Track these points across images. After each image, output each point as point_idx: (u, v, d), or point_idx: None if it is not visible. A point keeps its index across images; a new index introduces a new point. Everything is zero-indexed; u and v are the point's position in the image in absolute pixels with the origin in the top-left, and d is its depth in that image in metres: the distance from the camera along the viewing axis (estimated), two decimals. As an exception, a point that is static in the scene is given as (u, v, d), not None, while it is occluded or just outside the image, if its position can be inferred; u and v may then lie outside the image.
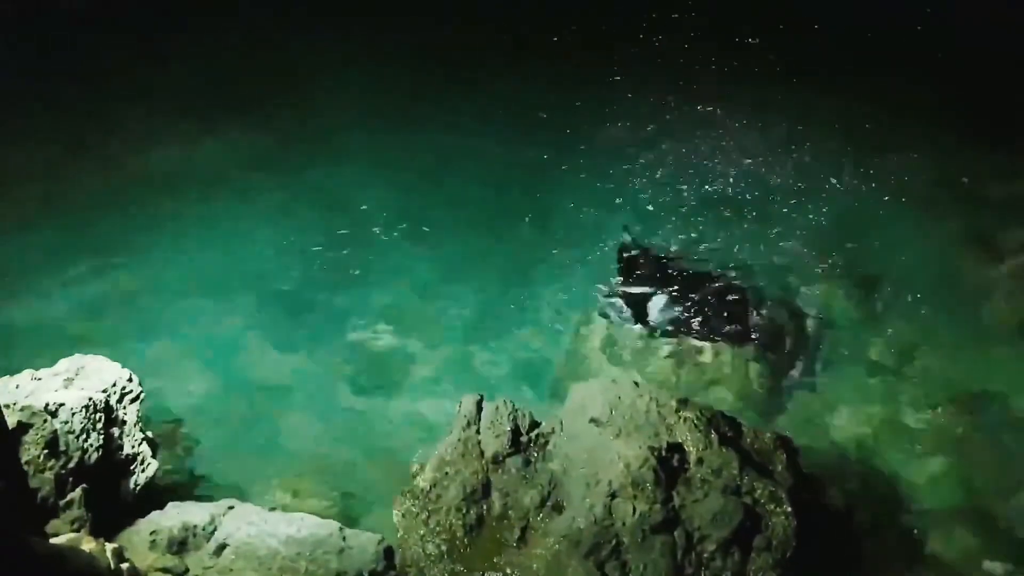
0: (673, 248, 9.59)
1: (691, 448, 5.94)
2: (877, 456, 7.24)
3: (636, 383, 6.41)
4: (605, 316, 8.46)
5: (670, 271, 8.84)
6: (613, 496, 5.64)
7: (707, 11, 14.29)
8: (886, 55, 13.44)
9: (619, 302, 8.43)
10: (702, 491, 5.73)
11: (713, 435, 5.99)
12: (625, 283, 8.68)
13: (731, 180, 10.89)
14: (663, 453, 5.80)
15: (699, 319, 8.24)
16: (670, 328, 8.25)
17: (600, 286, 8.78)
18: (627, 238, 9.24)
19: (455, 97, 13.04)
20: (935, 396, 7.83)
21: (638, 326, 8.31)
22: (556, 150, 11.54)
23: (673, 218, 10.22)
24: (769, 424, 6.94)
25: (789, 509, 5.69)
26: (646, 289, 8.52)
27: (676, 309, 8.32)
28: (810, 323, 8.66)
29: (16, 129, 11.35)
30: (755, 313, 8.46)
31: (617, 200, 10.55)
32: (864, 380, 8.11)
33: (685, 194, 10.61)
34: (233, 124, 12.16)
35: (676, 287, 8.54)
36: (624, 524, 5.52)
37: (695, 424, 6.04)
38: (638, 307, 8.38)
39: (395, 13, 15.34)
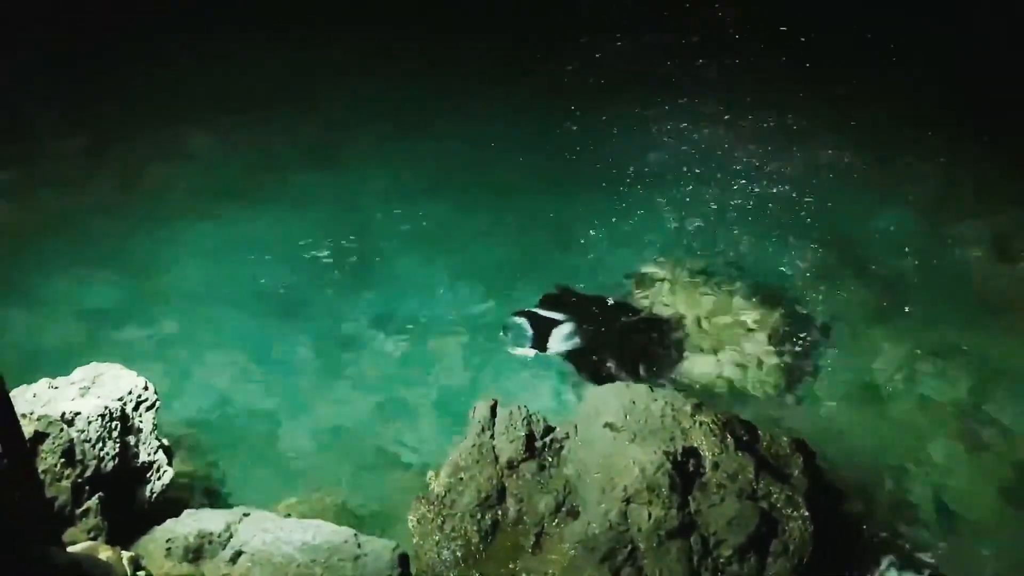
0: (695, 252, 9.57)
1: (707, 453, 5.91)
2: (895, 461, 7.17)
3: (651, 387, 6.39)
4: (504, 333, 8.28)
5: (593, 302, 8.62)
6: (628, 501, 5.61)
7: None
8: (894, 56, 13.43)
9: (524, 322, 8.18)
10: (718, 496, 5.70)
11: (729, 439, 5.96)
12: (543, 304, 8.46)
13: (737, 184, 10.87)
14: (678, 458, 5.77)
15: (594, 354, 7.99)
16: (563, 357, 7.99)
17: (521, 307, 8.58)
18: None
19: (469, 105, 13.08)
20: (953, 400, 7.75)
21: (532, 350, 8.08)
22: (572, 159, 11.56)
23: (685, 224, 10.20)
24: (784, 428, 6.87)
25: (806, 513, 5.65)
26: (558, 315, 8.23)
27: (577, 339, 8.05)
28: (824, 327, 8.59)
29: (36, 138, 11.43)
30: (659, 352, 8.25)
31: (625, 208, 10.53)
32: (880, 384, 8.02)
33: (695, 202, 10.58)
34: (247, 132, 12.24)
35: (589, 317, 8.31)
36: (640, 529, 5.50)
37: (711, 428, 6.01)
38: (541, 330, 8.08)
39: (411, 21, 15.44)
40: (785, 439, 6.32)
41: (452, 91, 13.54)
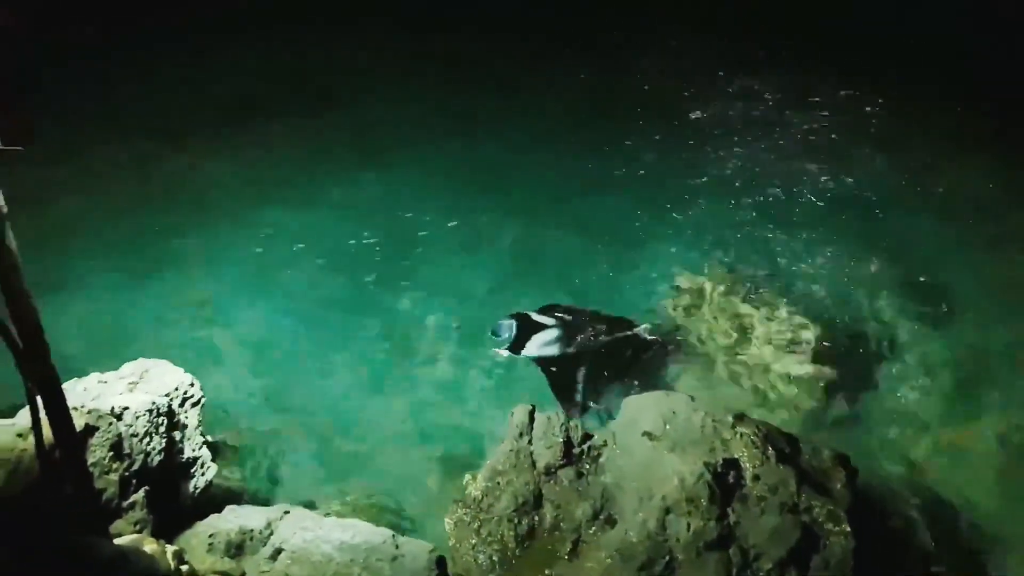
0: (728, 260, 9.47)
1: (747, 464, 5.85)
2: (941, 476, 7.03)
3: (691, 397, 6.34)
4: (491, 333, 8.19)
5: (585, 315, 8.43)
6: (667, 511, 5.58)
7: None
8: (941, 65, 13.22)
9: (512, 323, 8.06)
10: (758, 508, 5.64)
11: (770, 451, 5.89)
12: (544, 309, 8.34)
13: (780, 197, 10.76)
14: (718, 469, 5.72)
15: (567, 364, 7.81)
16: (535, 362, 7.85)
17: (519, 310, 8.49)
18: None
19: (508, 109, 13.11)
20: (1000, 413, 7.59)
21: (501, 352, 7.98)
22: (617, 168, 11.52)
23: (726, 236, 10.11)
24: (827, 441, 6.77)
25: (848, 529, 5.57)
26: (549, 321, 8.09)
27: (555, 348, 7.89)
28: (869, 342, 8.45)
29: (74, 141, 11.66)
30: (637, 368, 8.09)
31: (666, 218, 10.48)
32: (926, 396, 7.89)
33: (736, 214, 10.49)
34: (286, 134, 12.38)
35: (579, 327, 8.15)
36: (678, 540, 5.46)
37: (751, 440, 5.95)
38: (524, 334, 7.95)
39: (451, 26, 15.52)
40: (827, 453, 6.23)
41: (497, 93, 13.58)
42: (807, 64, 13.77)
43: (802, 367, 7.95)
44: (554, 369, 7.75)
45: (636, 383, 7.95)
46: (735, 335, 8.35)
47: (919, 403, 7.85)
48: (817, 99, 12.80)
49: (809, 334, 8.16)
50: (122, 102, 12.94)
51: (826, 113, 12.44)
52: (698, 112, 12.78)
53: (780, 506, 5.65)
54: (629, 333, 8.10)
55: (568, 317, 8.28)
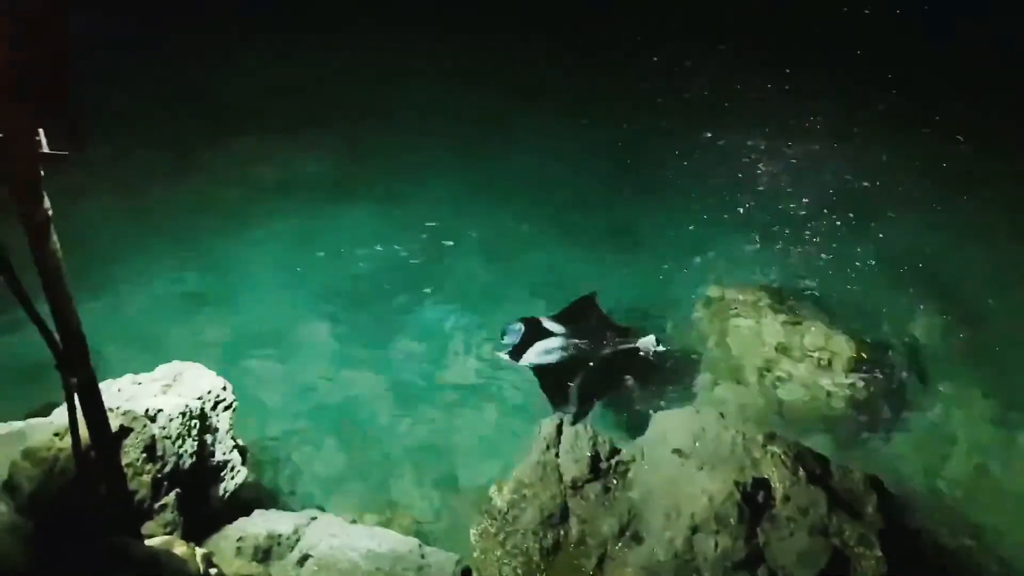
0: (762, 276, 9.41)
1: (777, 484, 5.80)
2: (975, 501, 6.90)
3: (721, 415, 6.30)
4: (500, 336, 8.16)
5: (595, 329, 8.33)
6: (695, 530, 5.55)
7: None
8: (979, 84, 13.06)
9: (519, 328, 8.01)
10: (788, 529, 5.59)
11: (801, 472, 5.84)
12: (552, 317, 8.29)
13: (817, 211, 10.67)
14: (748, 488, 5.68)
15: (563, 374, 7.77)
16: (532, 369, 7.80)
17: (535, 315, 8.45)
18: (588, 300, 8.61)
19: (546, 115, 13.12)
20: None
21: (504, 356, 7.94)
22: (649, 177, 11.49)
23: (759, 248, 10.05)
24: (858, 464, 6.69)
25: (880, 553, 5.50)
26: (556, 328, 8.05)
27: (554, 356, 7.84)
28: (905, 362, 8.33)
29: (127, 143, 11.84)
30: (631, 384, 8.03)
31: (699, 228, 10.42)
32: (962, 417, 7.77)
33: (771, 227, 10.42)
34: (326, 139, 12.48)
35: (586, 337, 8.09)
36: (706, 559, 5.42)
37: (782, 460, 5.90)
38: (528, 340, 7.90)
39: (482, 31, 15.59)
40: (859, 475, 6.16)
41: (529, 100, 13.60)
42: (846, 75, 13.66)
43: (835, 384, 7.86)
44: (549, 375, 7.73)
45: (633, 393, 8.00)
46: (766, 349, 8.27)
47: (955, 424, 7.73)
48: (858, 111, 12.68)
49: (843, 350, 8.06)
50: (155, 103, 13.10)
51: (862, 126, 12.33)
52: (734, 121, 12.72)
53: (810, 528, 5.60)
54: (632, 345, 8.05)
55: (577, 324, 8.28)
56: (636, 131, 12.73)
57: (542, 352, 7.82)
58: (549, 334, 7.94)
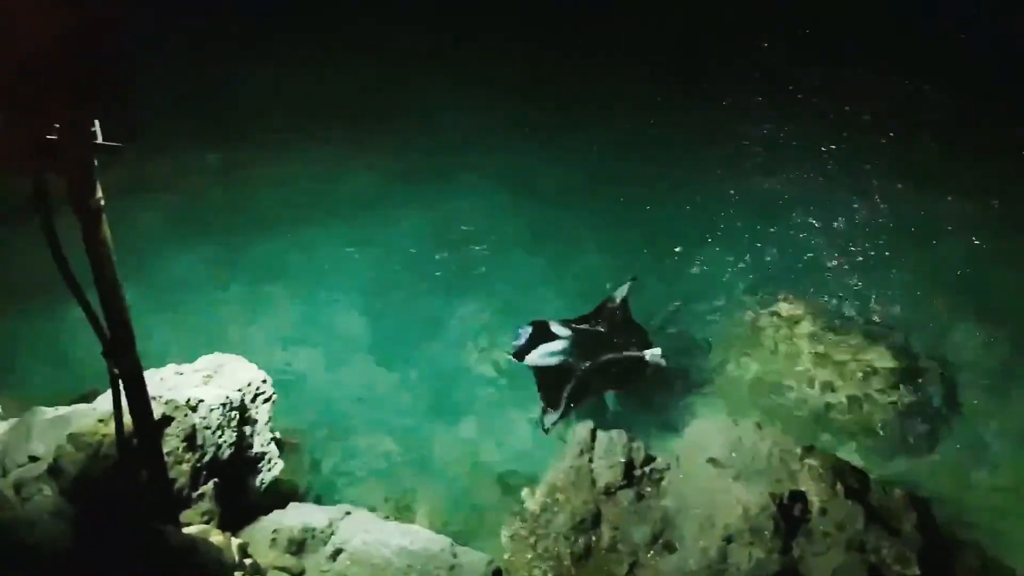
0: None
1: (814, 498, 5.73)
2: (1017, 522, 6.73)
3: (759, 425, 6.23)
4: (512, 336, 8.15)
5: (605, 334, 8.34)
6: (729, 540, 5.49)
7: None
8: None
9: (528, 329, 7.99)
10: (824, 544, 5.51)
11: (838, 486, 5.76)
12: (564, 321, 8.31)
13: (861, 225, 10.49)
14: (784, 500, 5.62)
15: (562, 377, 7.82)
16: (532, 370, 7.87)
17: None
18: (622, 290, 8.60)
19: (588, 122, 13.07)
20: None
21: (509, 356, 8.01)
22: (694, 186, 11.40)
23: (799, 261, 9.92)
24: (897, 480, 6.58)
25: (918, 572, 5.40)
26: (563, 332, 8.05)
27: (551, 359, 7.83)
28: (948, 379, 8.17)
29: (168, 146, 12.02)
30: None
31: (735, 239, 10.31)
32: (1004, 434, 7.58)
33: (812, 239, 10.26)
34: (361, 143, 12.54)
35: (585, 344, 8.10)
36: (739, 570, 5.36)
37: (820, 473, 5.82)
38: (534, 341, 7.91)
39: (526, 35, 15.57)
40: (898, 491, 6.06)
41: (570, 107, 13.57)
42: (901, 84, 13.40)
43: (874, 398, 7.73)
44: (546, 376, 7.86)
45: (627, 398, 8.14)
46: (804, 360, 8.17)
47: (996, 443, 7.54)
48: (911, 123, 12.42)
49: (883, 364, 7.93)
50: (202, 102, 13.27)
51: (914, 137, 12.09)
52: (771, 132, 12.55)
53: (847, 543, 5.51)
54: (637, 355, 8.07)
55: (588, 328, 8.34)
56: (677, 134, 12.62)
57: (545, 354, 7.89)
58: (555, 337, 8.08)
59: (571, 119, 13.24)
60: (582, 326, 8.30)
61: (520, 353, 7.85)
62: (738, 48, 14.66)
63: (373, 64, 14.78)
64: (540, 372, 7.83)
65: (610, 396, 8.44)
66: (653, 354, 7.97)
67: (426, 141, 12.61)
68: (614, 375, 8.00)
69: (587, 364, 7.83)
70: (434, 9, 16.19)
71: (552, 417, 7.49)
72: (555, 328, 8.01)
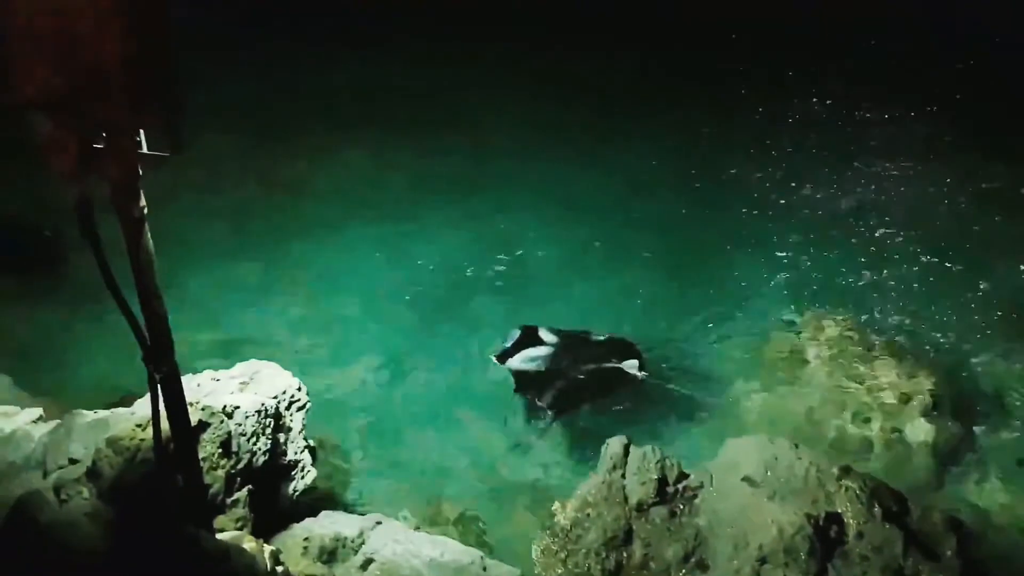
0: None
1: (851, 520, 5.61)
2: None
3: (795, 445, 6.13)
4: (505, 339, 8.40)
5: (589, 345, 8.49)
6: (763, 561, 5.40)
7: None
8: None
9: (516, 334, 8.32)
10: (860, 568, 5.40)
11: (876, 508, 5.64)
12: (555, 329, 8.52)
13: (899, 243, 10.31)
14: (820, 522, 5.51)
15: (542, 384, 7.96)
16: (512, 374, 8.04)
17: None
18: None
19: (629, 130, 13.05)
20: None
21: (493, 358, 8.21)
22: (728, 200, 11.31)
23: (838, 279, 9.78)
24: (938, 501, 6.44)
25: (958, 599, 5.27)
26: (551, 338, 8.33)
27: (531, 364, 8.07)
28: (988, 399, 7.99)
29: (198, 146, 12.17)
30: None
31: (772, 257, 10.20)
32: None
33: (850, 257, 10.12)
34: (400, 147, 12.63)
35: (564, 354, 8.27)
36: (773, 592, 5.27)
37: (857, 495, 5.71)
38: (519, 346, 8.20)
39: (570, 47, 15.60)
40: (938, 515, 5.91)
41: (613, 114, 13.55)
42: (961, 96, 13.20)
43: (915, 420, 7.58)
44: (524, 380, 8.01)
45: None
46: (844, 380, 8.04)
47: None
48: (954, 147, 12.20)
49: (924, 386, 7.77)
50: (238, 100, 13.42)
51: (959, 157, 11.87)
52: (810, 145, 12.42)
53: (884, 567, 5.40)
54: (614, 365, 8.19)
55: (571, 338, 8.51)
56: (718, 146, 12.55)
57: (526, 359, 8.13)
58: (540, 343, 8.21)
59: (614, 127, 13.23)
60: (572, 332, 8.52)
61: (502, 356, 8.11)
62: (778, 56, 14.59)
63: (412, 72, 14.91)
64: (518, 376, 8.02)
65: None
66: (630, 365, 8.11)
67: (468, 148, 12.68)
68: (593, 385, 8.10)
69: (572, 371, 8.02)
70: (473, 19, 16.32)
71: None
72: (543, 334, 8.16)
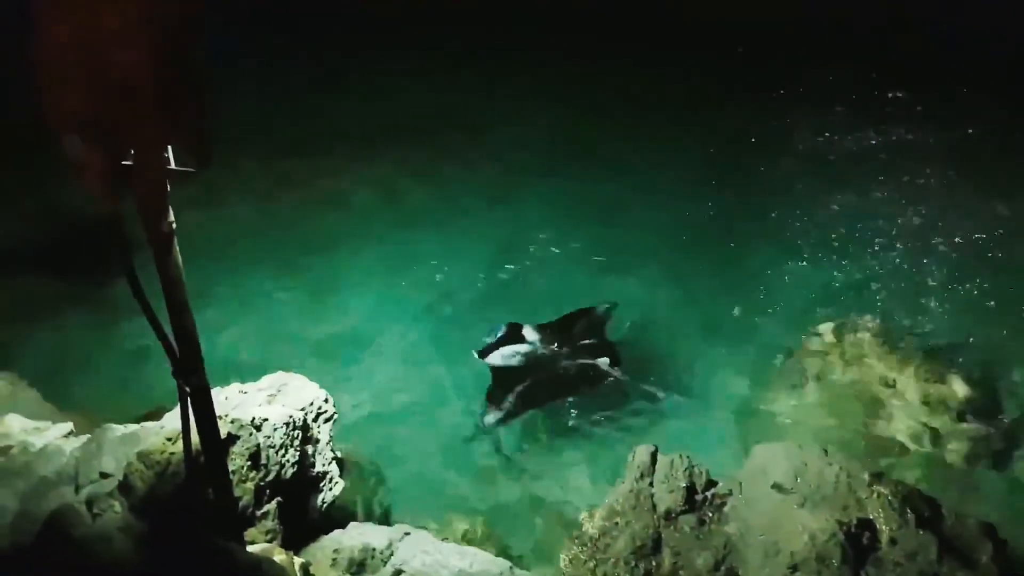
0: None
1: (883, 527, 5.54)
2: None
3: (825, 451, 6.07)
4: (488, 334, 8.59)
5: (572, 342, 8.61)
6: (794, 569, 5.34)
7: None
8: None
9: (500, 330, 8.51)
10: (894, 575, 5.32)
11: (909, 515, 5.56)
12: (539, 326, 8.66)
13: (934, 249, 10.21)
14: (852, 529, 5.45)
15: (517, 380, 8.13)
16: (490, 369, 8.21)
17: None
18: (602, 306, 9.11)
19: (655, 141, 13.03)
20: None
21: (475, 353, 8.37)
22: (753, 209, 11.26)
23: (869, 287, 9.69)
24: (973, 507, 6.34)
25: (995, 606, 5.18)
26: (534, 336, 8.49)
27: (511, 360, 8.25)
28: (1017, 403, 7.88)
29: (227, 157, 12.30)
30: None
31: (798, 263, 10.13)
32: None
33: (883, 265, 10.03)
34: (421, 161, 12.71)
35: (543, 351, 8.43)
36: (806, 600, 5.21)
37: (889, 501, 5.63)
38: (501, 342, 8.38)
39: (583, 56, 15.64)
40: (973, 521, 5.82)
41: (637, 125, 13.54)
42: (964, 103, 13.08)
43: (947, 425, 7.48)
44: (500, 376, 8.18)
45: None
46: (873, 385, 7.96)
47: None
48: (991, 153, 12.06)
49: (956, 392, 7.67)
50: (262, 117, 13.56)
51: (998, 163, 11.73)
52: (836, 152, 12.35)
53: (918, 574, 5.32)
54: (590, 362, 8.35)
55: (551, 334, 8.65)
56: (738, 150, 12.51)
57: (507, 355, 8.30)
58: (522, 340, 8.39)
59: (638, 136, 13.21)
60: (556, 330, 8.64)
61: (485, 352, 8.29)
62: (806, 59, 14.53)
63: (430, 86, 15.00)
64: (495, 372, 8.17)
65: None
66: (603, 362, 8.27)
67: (485, 162, 12.72)
68: (567, 380, 8.27)
69: (548, 369, 8.21)
70: (490, 32, 16.39)
71: (493, 417, 7.79)
72: (527, 332, 8.40)
